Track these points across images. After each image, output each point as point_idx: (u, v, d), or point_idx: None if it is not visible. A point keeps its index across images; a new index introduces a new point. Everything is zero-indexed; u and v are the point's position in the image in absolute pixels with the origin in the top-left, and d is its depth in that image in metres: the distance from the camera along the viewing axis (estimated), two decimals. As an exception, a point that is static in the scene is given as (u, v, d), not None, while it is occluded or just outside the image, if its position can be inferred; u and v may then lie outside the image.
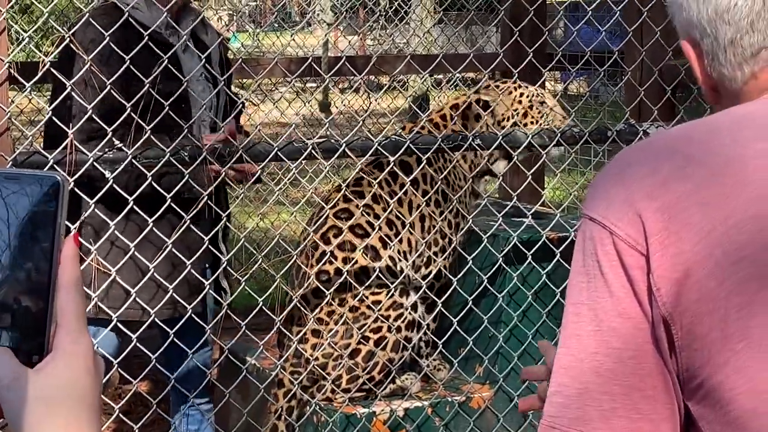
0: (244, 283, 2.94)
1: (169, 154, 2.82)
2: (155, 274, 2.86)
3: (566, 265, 3.38)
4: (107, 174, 2.76)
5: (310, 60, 3.78)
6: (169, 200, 2.78)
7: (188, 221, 2.86)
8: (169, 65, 2.89)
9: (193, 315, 2.95)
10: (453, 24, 8.81)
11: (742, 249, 1.23)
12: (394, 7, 7.80)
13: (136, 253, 2.82)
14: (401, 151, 3.07)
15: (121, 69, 2.75)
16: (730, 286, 1.20)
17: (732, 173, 1.26)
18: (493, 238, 3.46)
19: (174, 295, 2.91)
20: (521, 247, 3.40)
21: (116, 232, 2.83)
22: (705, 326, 1.21)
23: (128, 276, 2.89)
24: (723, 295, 1.20)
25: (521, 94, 3.53)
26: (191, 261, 2.85)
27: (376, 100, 6.32)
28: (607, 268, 1.28)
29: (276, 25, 13.20)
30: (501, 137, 3.16)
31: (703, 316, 1.22)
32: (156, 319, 2.89)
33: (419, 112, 4.76)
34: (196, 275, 2.93)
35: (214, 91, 3.07)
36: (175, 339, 2.87)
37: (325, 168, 3.20)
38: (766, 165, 1.26)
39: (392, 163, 3.15)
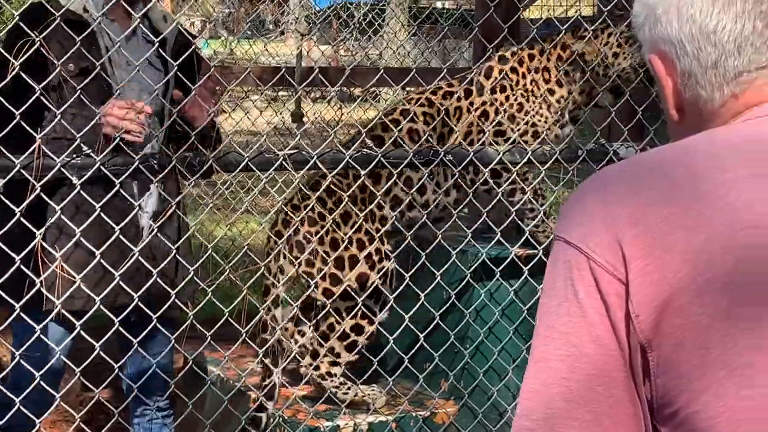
0: (210, 294, 2.91)
1: (138, 161, 2.80)
2: (101, 261, 2.79)
3: (533, 282, 3.39)
4: (74, 180, 2.73)
5: (283, 71, 3.76)
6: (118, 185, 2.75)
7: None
8: (88, 46, 2.83)
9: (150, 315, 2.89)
10: (426, 37, 8.83)
11: (726, 276, 1.21)
12: (368, 19, 7.81)
13: (83, 240, 2.76)
14: (372, 165, 3.06)
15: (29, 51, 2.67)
16: (713, 313, 1.19)
17: (715, 199, 1.25)
18: (462, 254, 3.46)
19: (120, 283, 2.85)
20: (489, 263, 3.39)
21: (74, 226, 2.77)
22: (685, 353, 1.20)
23: (77, 265, 2.85)
24: (705, 323, 1.19)
25: (609, 35, 3.64)
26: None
27: (348, 112, 6.31)
28: (583, 294, 1.26)
29: (249, 33, 13.17)
30: (472, 154, 3.16)
31: (684, 342, 1.20)
32: (102, 308, 2.83)
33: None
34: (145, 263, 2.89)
35: (164, 80, 3.00)
36: (122, 330, 2.80)
37: (296, 179, 3.18)
38: (749, 190, 1.26)
39: (362, 177, 3.14)
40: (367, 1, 8.77)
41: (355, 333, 3.45)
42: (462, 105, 3.69)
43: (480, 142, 3.47)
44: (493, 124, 3.62)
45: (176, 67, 2.87)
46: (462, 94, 3.70)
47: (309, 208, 3.41)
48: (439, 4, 11.47)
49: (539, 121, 3.66)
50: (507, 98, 3.69)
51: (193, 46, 2.98)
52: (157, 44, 2.98)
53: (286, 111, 6.29)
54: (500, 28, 3.50)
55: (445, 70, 3.72)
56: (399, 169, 3.12)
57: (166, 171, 2.83)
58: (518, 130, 3.61)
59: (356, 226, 3.41)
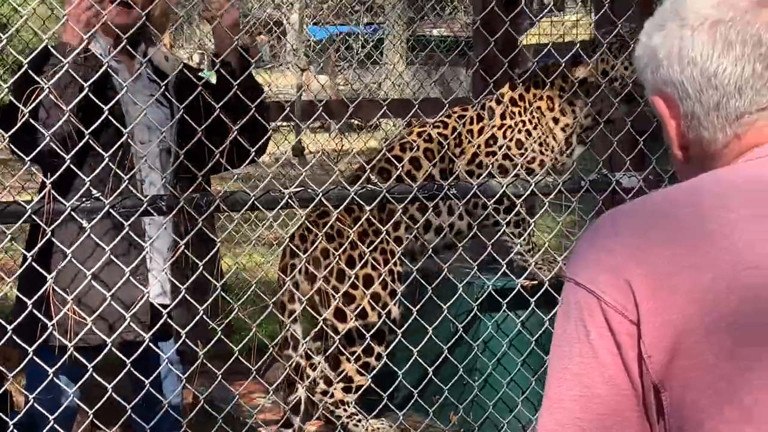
0: (220, 332, 2.93)
1: (146, 203, 2.82)
2: (112, 300, 2.82)
3: (540, 313, 3.41)
4: (84, 224, 2.75)
5: (287, 110, 3.80)
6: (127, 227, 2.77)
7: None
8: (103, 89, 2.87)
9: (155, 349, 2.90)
10: (422, 65, 8.89)
11: (731, 316, 1.24)
12: (366, 50, 7.86)
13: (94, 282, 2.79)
14: (377, 200, 3.09)
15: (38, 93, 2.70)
16: (718, 353, 1.21)
17: (720, 238, 1.28)
18: (468, 286, 3.48)
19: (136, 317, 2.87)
20: (496, 295, 3.41)
21: (84, 267, 2.80)
22: (695, 392, 1.22)
23: (89, 304, 2.88)
24: (712, 362, 1.21)
25: (602, 52, 3.72)
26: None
27: (350, 142, 6.35)
28: (595, 335, 1.28)
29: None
30: (476, 187, 3.19)
31: (693, 382, 1.23)
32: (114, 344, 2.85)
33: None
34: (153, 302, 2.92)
35: (170, 117, 3.04)
36: (132, 369, 2.82)
37: (302, 213, 3.21)
38: (751, 230, 1.28)
39: (367, 212, 3.17)
40: (365, 32, 8.84)
41: (366, 354, 3.50)
42: (473, 128, 3.78)
43: (489, 165, 3.55)
44: (501, 148, 3.70)
45: (182, 108, 2.91)
46: (474, 118, 3.78)
47: (327, 225, 3.48)
48: (435, 32, 11.52)
49: (545, 150, 3.72)
50: (515, 124, 3.76)
51: (199, 87, 3.01)
52: (162, 83, 3.01)
53: (286, 143, 6.33)
54: (497, 58, 3.54)
55: (444, 100, 3.76)
56: (403, 204, 3.15)
57: (174, 211, 2.86)
58: (525, 156, 3.68)
59: (372, 246, 3.48)
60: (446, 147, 3.75)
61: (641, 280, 1.27)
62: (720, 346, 1.24)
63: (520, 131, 3.74)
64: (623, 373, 1.27)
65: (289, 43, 13.16)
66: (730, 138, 1.39)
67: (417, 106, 4.07)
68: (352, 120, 8.36)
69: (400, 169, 3.47)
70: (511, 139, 3.73)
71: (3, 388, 2.91)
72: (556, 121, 3.75)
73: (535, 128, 3.74)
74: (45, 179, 2.71)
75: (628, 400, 1.27)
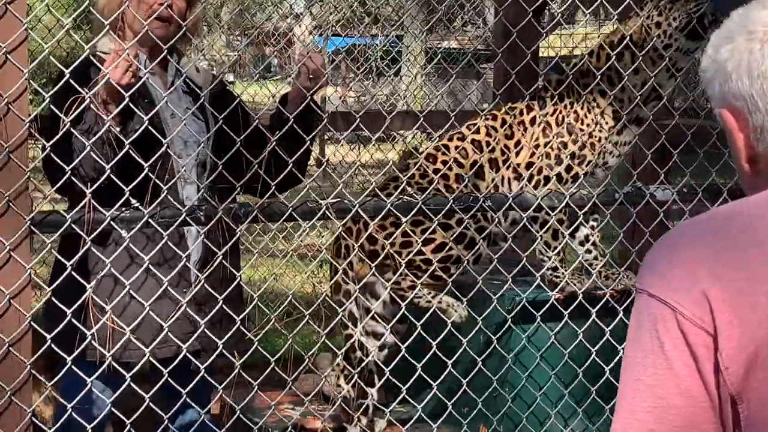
0: (257, 344, 2.93)
1: (185, 213, 2.83)
2: (152, 309, 2.82)
3: (573, 325, 3.40)
4: (123, 233, 2.75)
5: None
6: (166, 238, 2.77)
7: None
8: (144, 101, 2.88)
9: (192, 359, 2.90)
10: (440, 77, 8.91)
11: None
12: (385, 62, 7.89)
13: (133, 292, 2.79)
14: (413, 212, 3.10)
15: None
16: None
17: None
18: (500, 298, 3.47)
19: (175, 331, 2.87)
20: (528, 306, 3.41)
21: (123, 278, 2.80)
22: None
23: (128, 315, 2.87)
24: None
25: (645, 16, 3.65)
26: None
27: (369, 153, 6.36)
28: (669, 346, 1.29)
29: (257, 76, 13.25)
30: (511, 199, 3.19)
31: None
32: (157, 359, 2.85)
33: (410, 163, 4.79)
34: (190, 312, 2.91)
35: (205, 129, 3.05)
36: (173, 383, 2.81)
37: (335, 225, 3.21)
38: None
39: (404, 224, 3.18)
40: (381, 44, 8.86)
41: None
42: (525, 119, 3.78)
43: (545, 156, 3.62)
44: (557, 136, 3.68)
45: (220, 120, 2.92)
46: (524, 109, 3.81)
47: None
48: (445, 44, 11.55)
49: (595, 132, 3.68)
50: (566, 107, 3.74)
51: (237, 99, 3.02)
52: (196, 95, 3.03)
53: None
54: (522, 67, 3.55)
55: (466, 112, 3.77)
56: (443, 211, 3.16)
57: (212, 222, 2.87)
58: (577, 142, 3.66)
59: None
60: (496, 138, 3.75)
61: (717, 291, 1.27)
62: None
63: (569, 114, 3.71)
64: (700, 385, 1.27)
65: (295, 54, 13.20)
66: None
67: (433, 115, 4.08)
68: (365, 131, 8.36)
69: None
70: (562, 125, 3.71)
71: (41, 398, 2.90)
72: (597, 104, 3.70)
73: (585, 111, 3.70)
74: (85, 188, 2.70)
75: (704, 412, 1.27)
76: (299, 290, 6.26)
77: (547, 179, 3.67)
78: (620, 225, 3.83)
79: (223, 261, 2.92)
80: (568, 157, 3.66)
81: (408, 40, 6.82)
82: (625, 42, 3.60)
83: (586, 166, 3.68)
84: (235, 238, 2.95)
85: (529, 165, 3.72)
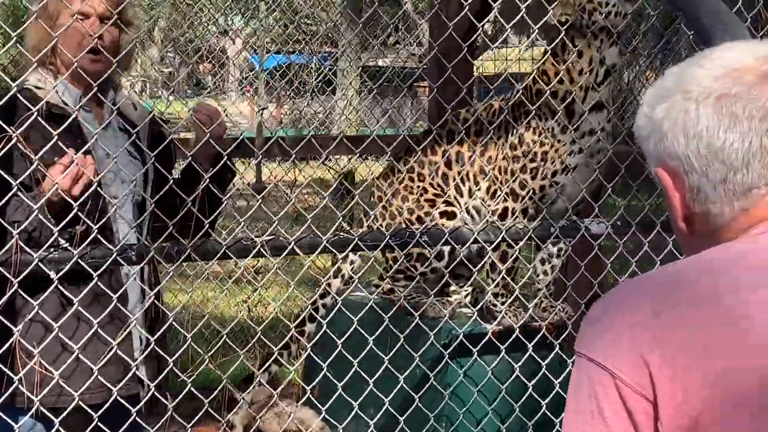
0: (190, 385, 2.87)
1: (116, 253, 2.76)
2: (85, 354, 2.74)
3: (508, 359, 3.40)
4: (52, 275, 2.68)
5: (241, 137, 3.76)
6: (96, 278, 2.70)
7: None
8: (74, 139, 2.80)
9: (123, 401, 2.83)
10: (374, 96, 8.91)
11: (746, 397, 1.24)
12: (319, 80, 7.87)
13: (63, 335, 2.71)
14: (350, 248, 3.07)
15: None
16: None
17: (735, 319, 1.28)
18: (437, 331, 3.46)
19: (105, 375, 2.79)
20: (465, 340, 3.40)
21: (50, 318, 2.72)
22: None
23: (61, 361, 2.79)
24: None
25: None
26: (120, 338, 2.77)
27: (302, 174, 6.32)
28: (609, 412, 1.28)
29: (189, 93, 13.14)
30: (447, 234, 3.18)
31: None
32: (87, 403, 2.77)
33: (350, 187, 4.77)
34: (124, 356, 2.84)
35: (142, 169, 2.98)
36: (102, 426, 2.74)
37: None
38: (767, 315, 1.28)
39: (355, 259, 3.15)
40: (319, 62, 8.84)
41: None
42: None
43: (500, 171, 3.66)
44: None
45: (153, 158, 2.85)
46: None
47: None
48: (380, 62, 11.58)
49: (548, 142, 3.66)
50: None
51: (170, 137, 2.96)
52: (132, 132, 2.95)
53: (246, 177, 6.32)
54: (455, 84, 3.55)
55: (401, 135, 3.76)
56: (388, 243, 3.14)
57: (145, 261, 2.81)
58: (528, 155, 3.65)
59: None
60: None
61: (656, 356, 1.27)
62: (738, 428, 1.23)
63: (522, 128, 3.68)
64: None
65: (233, 73, 13.11)
66: (737, 212, 1.39)
67: (372, 138, 4.07)
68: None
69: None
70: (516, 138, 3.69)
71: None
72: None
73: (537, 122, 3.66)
74: (12, 229, 2.63)
75: None
76: (231, 314, 6.20)
77: (506, 195, 3.65)
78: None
79: (155, 302, 2.86)
80: (525, 171, 3.63)
81: (343, 63, 6.80)
82: (562, 29, 3.56)
83: (542, 179, 3.65)
84: (168, 278, 2.89)
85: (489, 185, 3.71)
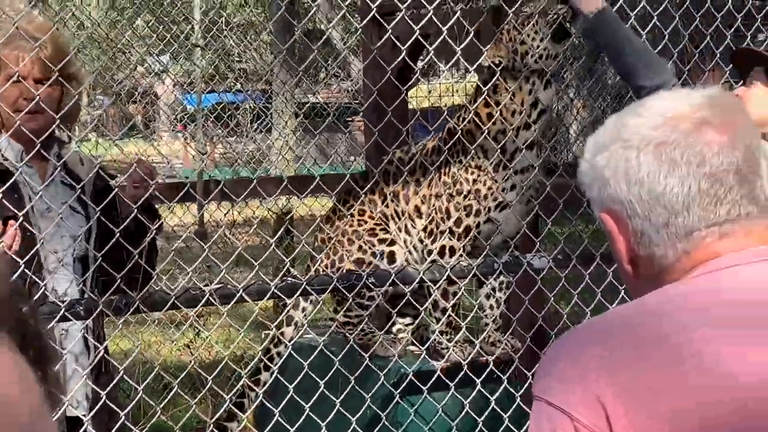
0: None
1: (64, 309, 2.75)
2: None
3: (458, 396, 3.44)
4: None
5: (187, 187, 3.77)
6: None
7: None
8: (12, 195, 2.80)
9: None
10: (303, 134, 8.94)
11: None
12: (252, 118, 7.88)
13: None
14: (298, 293, 3.09)
15: None
16: None
17: (677, 361, 1.33)
18: (386, 370, 3.48)
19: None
20: (414, 379, 3.43)
21: None
22: None
23: None
24: None
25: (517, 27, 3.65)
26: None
27: (241, 215, 6.32)
28: None
29: (119, 135, 13.00)
30: (394, 275, 3.22)
31: None
32: None
33: (290, 227, 4.77)
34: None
35: (86, 224, 2.97)
36: None
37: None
38: (714, 352, 1.34)
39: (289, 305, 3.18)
40: (253, 100, 8.86)
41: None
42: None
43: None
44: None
45: (98, 211, 2.85)
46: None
47: None
48: (312, 99, 11.61)
49: (480, 179, 3.70)
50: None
51: (115, 190, 2.96)
52: (77, 186, 2.95)
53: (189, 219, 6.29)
54: (393, 125, 3.59)
55: (339, 175, 3.80)
56: (326, 293, 3.17)
57: (93, 315, 2.80)
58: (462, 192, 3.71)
59: None
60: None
61: (612, 398, 1.31)
62: None
63: (456, 166, 3.73)
64: None
65: (163, 111, 13.01)
66: (680, 254, 1.44)
67: (317, 180, 4.10)
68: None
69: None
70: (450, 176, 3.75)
71: None
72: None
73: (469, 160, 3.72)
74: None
75: None
76: (174, 359, 6.14)
77: (442, 233, 3.70)
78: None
79: (105, 355, 2.85)
80: (460, 209, 3.67)
81: (277, 103, 6.83)
82: (497, 70, 3.62)
83: (477, 216, 3.70)
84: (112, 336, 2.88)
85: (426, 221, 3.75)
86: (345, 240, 3.79)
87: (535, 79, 3.65)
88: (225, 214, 6.25)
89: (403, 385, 3.46)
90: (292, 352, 3.24)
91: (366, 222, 3.81)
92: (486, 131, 3.64)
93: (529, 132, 3.68)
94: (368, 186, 3.77)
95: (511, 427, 3.39)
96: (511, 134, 3.65)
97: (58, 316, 2.75)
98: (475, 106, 3.71)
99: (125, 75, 10.54)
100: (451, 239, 3.67)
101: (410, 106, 9.55)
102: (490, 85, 3.64)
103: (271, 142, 7.50)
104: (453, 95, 9.43)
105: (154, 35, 8.13)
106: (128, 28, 9.83)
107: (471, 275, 3.33)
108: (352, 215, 3.83)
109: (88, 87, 12.32)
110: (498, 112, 3.66)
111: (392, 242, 3.79)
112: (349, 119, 11.66)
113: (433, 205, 3.71)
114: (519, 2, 3.61)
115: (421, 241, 3.75)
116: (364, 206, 3.83)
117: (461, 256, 3.64)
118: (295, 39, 6.92)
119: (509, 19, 3.64)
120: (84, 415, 2.90)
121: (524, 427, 3.01)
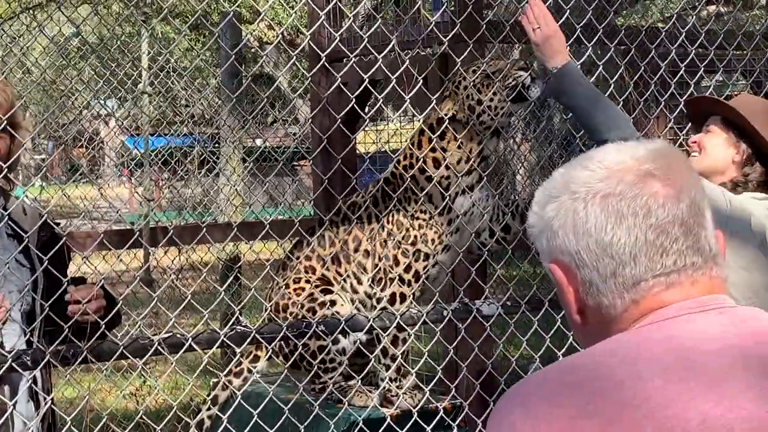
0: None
1: (11, 359, 2.71)
2: None
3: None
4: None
5: (136, 236, 3.75)
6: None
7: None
8: None
9: None
10: (254, 177, 8.92)
11: None
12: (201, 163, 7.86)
13: None
14: (248, 341, 3.08)
15: None
16: None
17: (635, 408, 1.34)
18: (335, 419, 3.47)
19: None
20: (365, 427, 3.42)
21: None
22: None
23: None
24: None
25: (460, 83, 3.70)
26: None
27: (188, 259, 6.29)
28: None
29: (64, 179, 12.89)
30: (344, 322, 3.22)
31: None
32: None
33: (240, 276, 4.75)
34: None
35: (30, 276, 2.91)
36: None
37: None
38: (667, 401, 1.35)
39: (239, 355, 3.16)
40: (200, 145, 8.84)
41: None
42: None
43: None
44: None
45: (46, 262, 2.81)
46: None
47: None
48: (258, 142, 11.61)
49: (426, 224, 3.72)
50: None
51: (63, 240, 2.93)
52: (22, 237, 2.90)
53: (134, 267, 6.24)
54: (340, 168, 3.60)
55: (298, 223, 3.80)
56: (279, 336, 3.15)
57: (40, 366, 2.76)
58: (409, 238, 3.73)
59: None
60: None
61: None
62: None
63: (399, 212, 3.77)
64: None
65: (108, 157, 12.95)
66: (628, 303, 1.46)
67: (267, 226, 4.10)
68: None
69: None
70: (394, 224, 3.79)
71: None
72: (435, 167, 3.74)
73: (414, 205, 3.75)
74: None
75: None
76: (120, 407, 6.06)
77: (391, 280, 3.71)
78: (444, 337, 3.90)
79: (53, 407, 2.81)
80: (408, 255, 3.70)
81: (225, 147, 6.82)
82: (445, 122, 3.67)
83: (424, 260, 3.72)
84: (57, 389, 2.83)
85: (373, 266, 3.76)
86: (292, 291, 3.79)
87: (486, 132, 3.71)
88: (173, 261, 6.20)
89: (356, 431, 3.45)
90: (241, 401, 3.22)
91: (314, 273, 3.82)
92: (429, 176, 3.69)
93: (473, 177, 3.74)
94: (315, 236, 3.82)
95: (462, 474, 3.39)
96: (455, 180, 3.70)
97: (4, 367, 2.71)
98: (421, 151, 3.74)
99: (70, 120, 10.46)
100: (401, 286, 3.69)
101: (358, 151, 9.62)
102: (438, 133, 3.68)
103: (218, 186, 7.48)
104: (401, 139, 9.47)
105: (101, 80, 8.09)
106: (74, 72, 9.77)
107: (421, 322, 3.34)
108: (301, 269, 3.84)
109: (31, 130, 12.21)
110: (444, 159, 3.70)
111: (342, 290, 3.80)
112: (296, 164, 11.66)
113: (379, 253, 3.73)
114: (477, 61, 3.68)
115: (371, 287, 3.76)
116: (313, 258, 3.84)
117: (411, 302, 3.66)
118: (242, 84, 6.94)
119: (467, 76, 3.70)
120: None
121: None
